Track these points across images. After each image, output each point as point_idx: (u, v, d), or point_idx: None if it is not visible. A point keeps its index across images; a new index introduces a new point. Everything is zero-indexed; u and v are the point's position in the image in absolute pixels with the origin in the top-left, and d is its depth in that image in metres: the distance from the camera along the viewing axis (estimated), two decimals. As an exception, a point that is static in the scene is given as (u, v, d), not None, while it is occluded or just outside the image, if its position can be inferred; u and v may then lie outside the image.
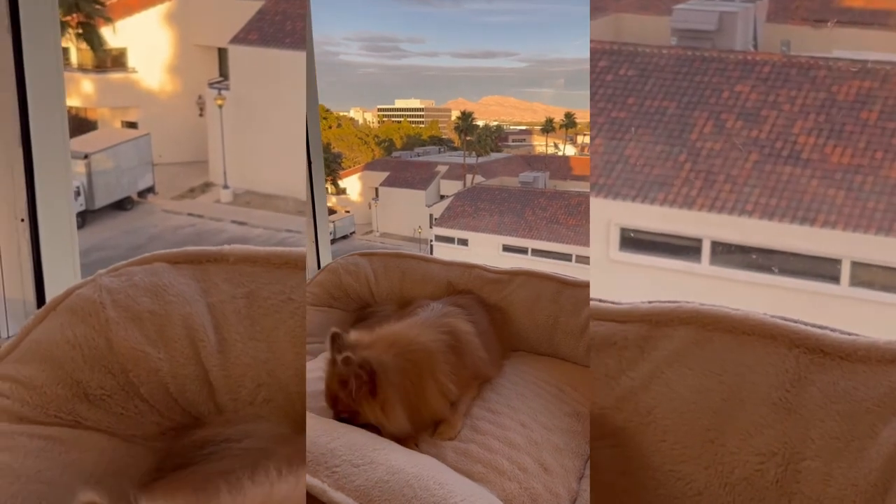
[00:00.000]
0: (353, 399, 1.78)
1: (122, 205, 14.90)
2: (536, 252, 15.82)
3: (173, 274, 1.86)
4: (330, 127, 20.85)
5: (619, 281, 9.84)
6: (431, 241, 16.98)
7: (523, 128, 22.57)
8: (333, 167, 19.51)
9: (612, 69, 11.11)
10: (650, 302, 1.75)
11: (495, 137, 21.21)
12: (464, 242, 16.12)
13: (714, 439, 1.60)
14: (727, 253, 9.85)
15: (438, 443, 1.85)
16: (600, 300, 1.83)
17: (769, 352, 1.62)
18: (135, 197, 15.15)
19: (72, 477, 1.65)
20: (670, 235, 10.06)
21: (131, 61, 15.94)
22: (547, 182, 18.59)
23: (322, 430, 1.60)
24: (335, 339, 1.83)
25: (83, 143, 14.61)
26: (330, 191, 19.26)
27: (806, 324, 1.64)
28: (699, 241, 9.89)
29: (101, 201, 14.52)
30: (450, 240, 16.44)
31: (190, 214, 15.24)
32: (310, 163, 3.14)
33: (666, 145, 10.41)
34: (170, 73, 15.89)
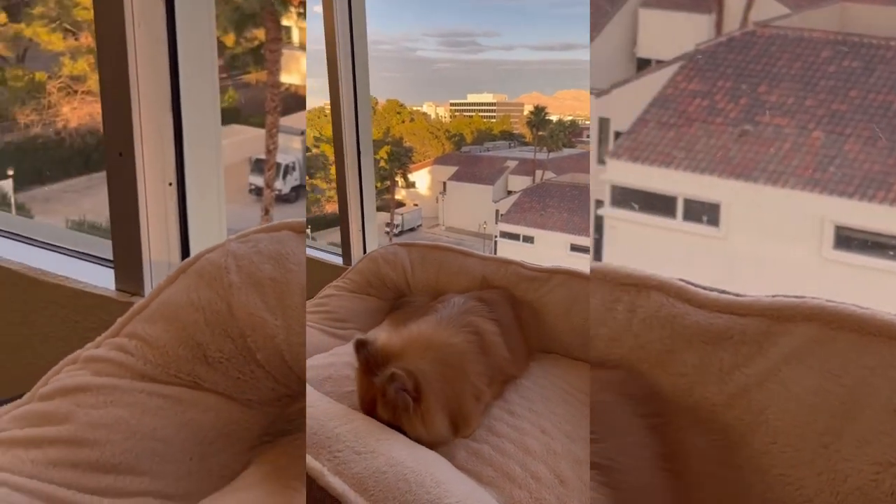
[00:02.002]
0: (395, 415, 1.76)
1: (334, 182, 15.29)
2: (607, 253, 15.29)
3: (297, 243, 1.87)
4: (403, 121, 20.81)
5: (832, 281, 9.46)
6: (496, 237, 16.70)
7: (600, 123, 21.87)
8: (404, 161, 19.51)
9: (834, 60, 10.67)
10: (773, 295, 1.66)
11: (569, 133, 20.64)
12: (529, 240, 15.75)
13: (828, 444, 1.50)
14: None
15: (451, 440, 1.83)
16: (719, 290, 1.74)
17: (895, 354, 1.51)
18: (347, 175, 15.54)
19: (187, 436, 1.68)
20: (889, 236, 9.60)
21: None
22: (623, 180, 17.91)
23: (332, 415, 1.62)
24: (362, 346, 1.80)
25: (300, 119, 15.04)
26: (400, 184, 19.27)
27: (939, 327, 1.53)
28: (921, 243, 9.41)
29: (314, 177, 14.93)
30: (515, 236, 16.10)
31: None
32: (359, 153, 3.17)
33: (889, 141, 9.94)
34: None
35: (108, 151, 2.25)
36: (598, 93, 12.74)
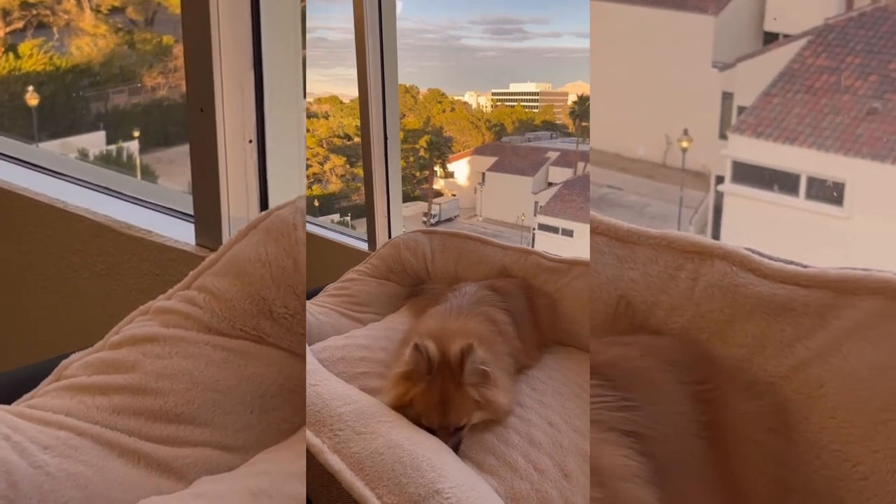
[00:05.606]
0: (480, 391, 1.78)
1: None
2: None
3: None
4: (444, 111, 20.35)
5: None
6: (534, 229, 16.32)
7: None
8: (443, 151, 19.15)
9: None
10: (841, 268, 1.61)
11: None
12: (568, 233, 15.34)
13: (888, 421, 1.45)
14: None
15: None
16: (785, 260, 1.70)
17: (962, 330, 1.46)
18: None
19: (248, 389, 1.71)
20: None
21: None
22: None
23: (336, 395, 1.64)
24: (423, 350, 1.79)
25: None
26: (438, 174, 18.95)
27: None
28: None
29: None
30: (554, 229, 15.69)
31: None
32: (386, 143, 3.16)
33: None
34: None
35: (190, 107, 2.28)
36: (721, 66, 12.54)
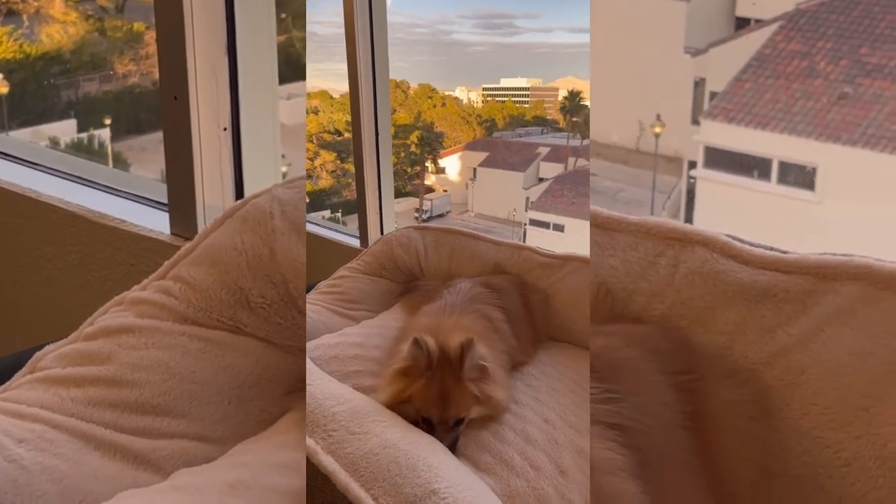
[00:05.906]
0: (479, 387, 1.77)
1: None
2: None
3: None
4: (434, 106, 20.30)
5: None
6: (525, 224, 16.41)
7: (641, 108, 21.02)
8: (434, 146, 19.15)
9: None
10: (822, 253, 1.61)
11: (603, 118, 19.90)
12: (559, 228, 15.44)
13: (869, 407, 1.45)
14: None
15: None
16: (766, 247, 1.69)
17: (944, 316, 1.46)
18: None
19: (226, 380, 1.69)
20: None
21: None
22: (660, 168, 17.46)
23: (329, 394, 1.60)
24: (423, 345, 1.77)
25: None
26: (430, 170, 18.97)
27: None
28: None
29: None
30: (545, 224, 15.79)
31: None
32: (377, 138, 3.16)
33: None
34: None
35: (163, 95, 2.26)
36: (694, 52, 12.58)
